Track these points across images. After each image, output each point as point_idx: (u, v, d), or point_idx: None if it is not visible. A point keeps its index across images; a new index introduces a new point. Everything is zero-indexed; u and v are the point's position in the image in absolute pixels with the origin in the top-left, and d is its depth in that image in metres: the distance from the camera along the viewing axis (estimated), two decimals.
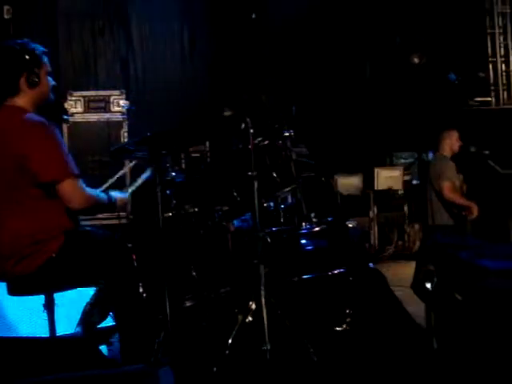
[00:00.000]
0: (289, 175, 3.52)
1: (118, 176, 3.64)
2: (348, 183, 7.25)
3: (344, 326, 3.41)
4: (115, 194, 3.32)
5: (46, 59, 3.17)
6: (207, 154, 5.82)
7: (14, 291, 3.18)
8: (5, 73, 3.11)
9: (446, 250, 2.89)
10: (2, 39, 5.51)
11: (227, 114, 3.27)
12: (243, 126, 3.23)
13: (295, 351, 3.13)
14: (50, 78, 3.20)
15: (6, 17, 6.05)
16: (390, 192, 7.37)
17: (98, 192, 3.21)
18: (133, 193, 3.53)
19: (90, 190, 3.11)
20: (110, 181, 3.57)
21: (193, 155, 5.74)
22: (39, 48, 3.18)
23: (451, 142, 6.18)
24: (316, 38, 7.41)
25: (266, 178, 3.42)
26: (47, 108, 3.23)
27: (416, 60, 2.78)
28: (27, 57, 3.08)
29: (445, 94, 6.82)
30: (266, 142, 3.57)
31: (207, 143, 5.84)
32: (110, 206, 3.26)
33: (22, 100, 3.11)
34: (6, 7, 6.04)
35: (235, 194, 3.44)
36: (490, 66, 7.86)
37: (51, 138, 3.02)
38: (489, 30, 7.89)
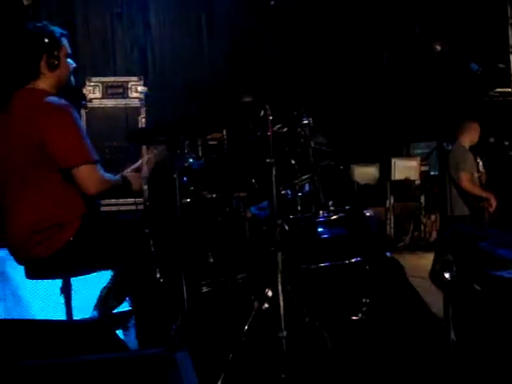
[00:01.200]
0: (307, 163, 3.51)
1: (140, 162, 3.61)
2: (365, 173, 7.23)
3: (360, 315, 3.40)
4: (127, 173, 3.33)
5: (65, 41, 3.18)
6: (224, 141, 5.80)
7: (31, 275, 3.20)
8: (25, 56, 3.11)
9: (465, 240, 2.87)
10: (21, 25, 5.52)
11: (246, 100, 3.25)
12: (262, 112, 3.21)
13: (311, 339, 3.13)
14: (69, 61, 3.21)
15: (25, 3, 6.04)
16: (406, 182, 7.34)
17: (111, 176, 3.21)
18: (149, 179, 3.52)
19: (106, 176, 3.12)
20: (134, 166, 3.54)
21: (210, 142, 5.72)
22: (58, 30, 3.18)
23: (471, 133, 6.13)
24: (334, 27, 7.37)
25: (285, 165, 3.41)
26: (66, 93, 3.24)
27: (438, 47, 2.75)
28: (46, 39, 3.09)
29: (464, 85, 6.76)
30: (285, 130, 3.55)
31: (224, 130, 5.83)
32: (126, 186, 3.26)
33: (44, 83, 3.11)
34: None
35: (253, 181, 3.43)
36: (511, 57, 7.77)
37: (71, 123, 3.02)
38: (510, 21, 7.80)
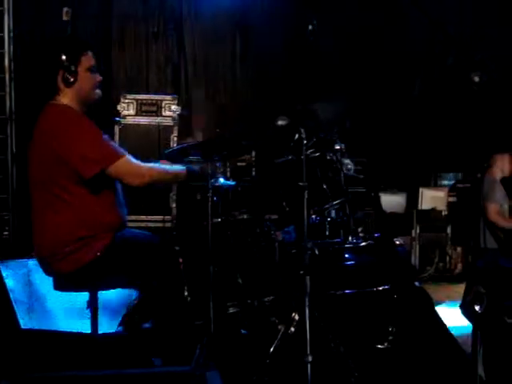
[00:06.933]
0: (338, 188, 3.51)
1: None
2: (391, 201, 7.19)
3: (386, 344, 3.36)
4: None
5: (88, 54, 3.16)
6: (253, 164, 5.82)
7: (59, 287, 3.22)
8: (43, 72, 3.17)
9: (496, 273, 2.84)
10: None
11: (282, 123, 3.26)
12: (297, 136, 3.22)
13: (336, 365, 3.10)
14: (93, 74, 3.18)
15: (64, 18, 6.17)
16: (433, 212, 7.29)
17: (156, 164, 3.21)
18: (178, 198, 3.54)
19: (149, 164, 3.13)
20: None
21: (238, 164, 5.74)
22: (79, 43, 3.21)
23: (502, 165, 6.07)
24: (366, 54, 7.37)
25: (316, 189, 3.41)
26: (100, 108, 3.27)
27: (476, 79, 2.73)
28: (63, 55, 3.10)
29: (495, 115, 6.71)
30: (317, 154, 3.56)
31: (253, 152, 5.85)
32: (191, 176, 3.27)
33: (64, 98, 3.14)
34: (65, 9, 6.16)
35: (284, 204, 3.43)
36: None
37: (83, 133, 3.04)
38: None
